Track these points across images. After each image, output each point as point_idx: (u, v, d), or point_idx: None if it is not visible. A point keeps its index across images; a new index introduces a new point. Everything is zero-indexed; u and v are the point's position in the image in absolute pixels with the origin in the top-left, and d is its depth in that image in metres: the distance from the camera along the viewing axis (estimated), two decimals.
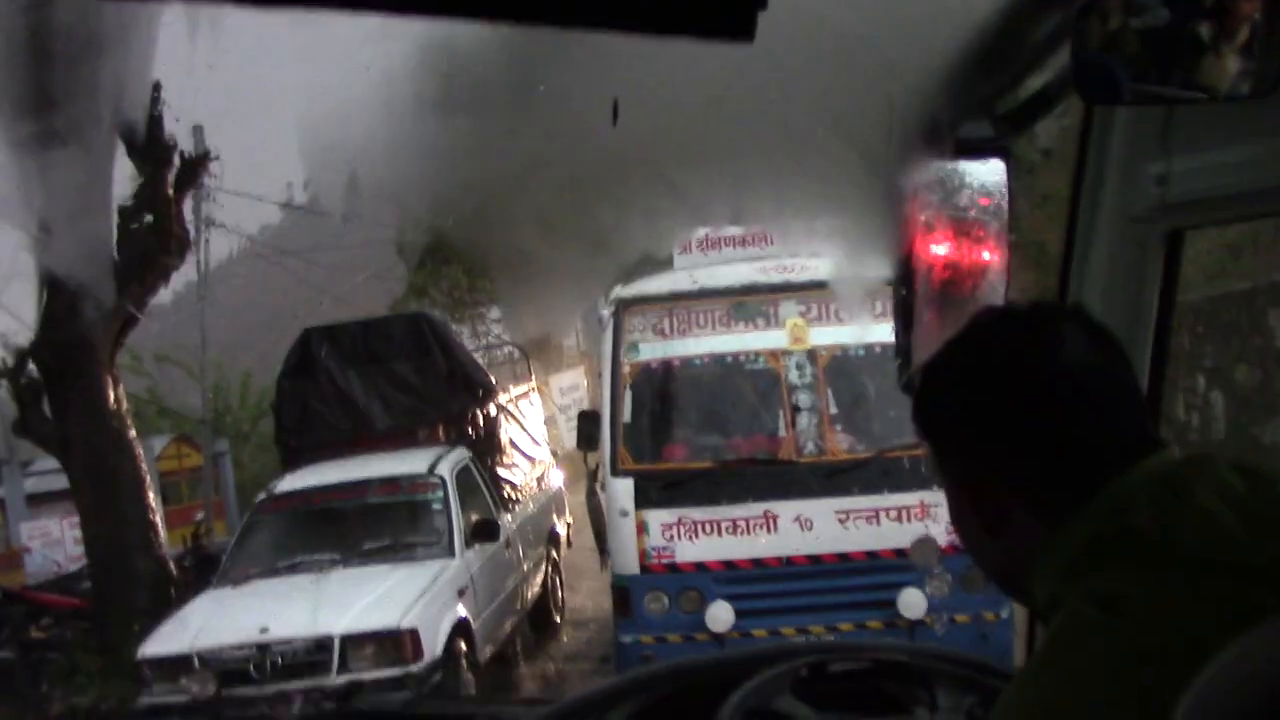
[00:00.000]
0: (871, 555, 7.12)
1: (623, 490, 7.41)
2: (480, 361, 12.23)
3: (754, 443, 7.59)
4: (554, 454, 13.54)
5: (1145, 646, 1.07)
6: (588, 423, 8.18)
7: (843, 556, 7.15)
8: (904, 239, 2.34)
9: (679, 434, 7.80)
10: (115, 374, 11.24)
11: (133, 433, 11.28)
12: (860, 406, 7.60)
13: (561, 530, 12.46)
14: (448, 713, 2.67)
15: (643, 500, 7.32)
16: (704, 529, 7.26)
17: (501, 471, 10.87)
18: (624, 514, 7.35)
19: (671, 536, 7.27)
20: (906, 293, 2.46)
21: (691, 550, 7.26)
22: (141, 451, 11.52)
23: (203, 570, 10.62)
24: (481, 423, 11.03)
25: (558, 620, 11.40)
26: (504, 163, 1.81)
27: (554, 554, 11.81)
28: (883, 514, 7.16)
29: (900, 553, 6.83)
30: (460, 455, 10.22)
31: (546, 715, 2.15)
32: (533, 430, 12.60)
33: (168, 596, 10.59)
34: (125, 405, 11.40)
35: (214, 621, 8.35)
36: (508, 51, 1.72)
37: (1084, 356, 1.25)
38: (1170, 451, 1.22)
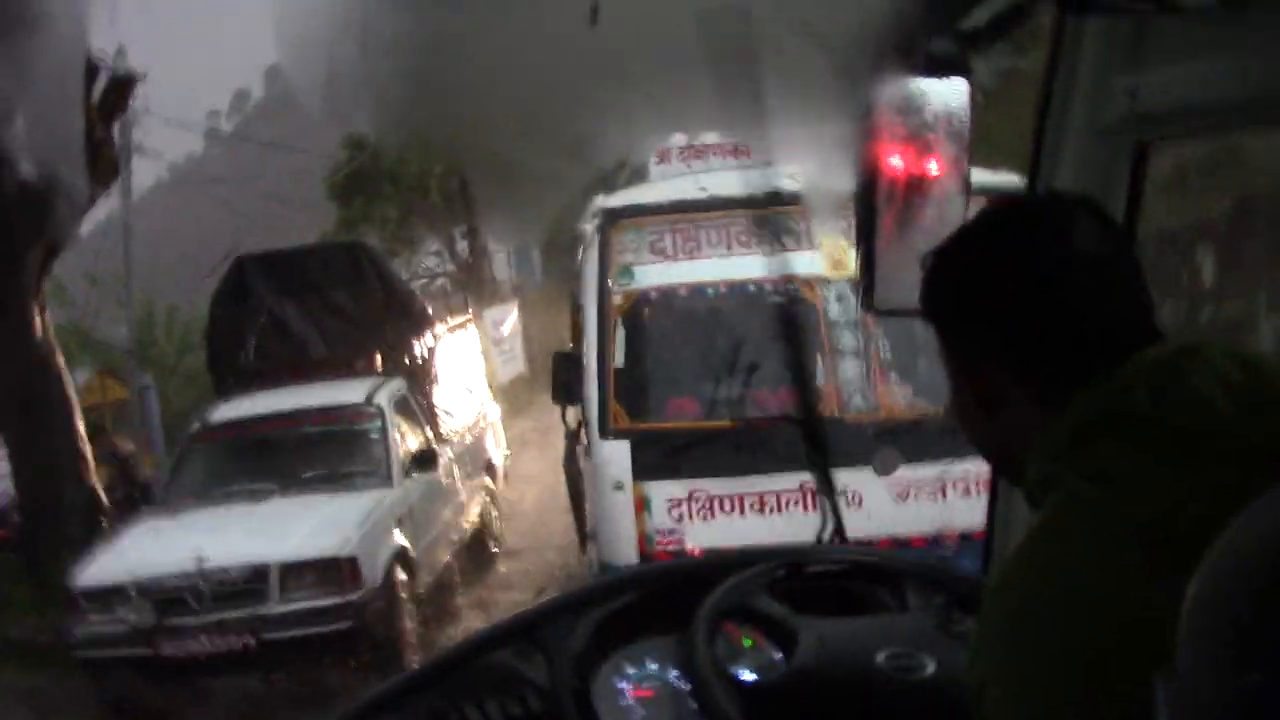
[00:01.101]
0: (934, 541, 5.67)
1: (616, 456, 5.88)
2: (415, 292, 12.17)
3: (785, 396, 5.80)
4: (489, 386, 13.53)
5: (1137, 520, 1.09)
6: (564, 368, 6.52)
7: (899, 542, 5.57)
8: (869, 154, 2.36)
9: (688, 383, 6.19)
10: (42, 302, 10.99)
11: (61, 361, 11.07)
12: (919, 350, 5.91)
13: (498, 461, 12.49)
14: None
15: (642, 470, 5.85)
16: (722, 506, 5.87)
17: (438, 402, 10.84)
18: (619, 487, 5.88)
19: (680, 516, 5.86)
20: (868, 209, 2.48)
21: (705, 533, 5.80)
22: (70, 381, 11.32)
23: (132, 499, 10.48)
24: (418, 353, 10.98)
25: (494, 550, 11.45)
26: (477, 63, 1.79)
27: (491, 485, 11.84)
28: (950, 486, 5.75)
29: (966, 536, 5.44)
30: (398, 385, 10.18)
31: (519, 618, 2.15)
32: (469, 362, 12.57)
33: (98, 526, 10.45)
34: (52, 334, 11.17)
35: (150, 551, 8.29)
36: None
37: (1095, 246, 1.27)
38: (1169, 344, 1.24)
